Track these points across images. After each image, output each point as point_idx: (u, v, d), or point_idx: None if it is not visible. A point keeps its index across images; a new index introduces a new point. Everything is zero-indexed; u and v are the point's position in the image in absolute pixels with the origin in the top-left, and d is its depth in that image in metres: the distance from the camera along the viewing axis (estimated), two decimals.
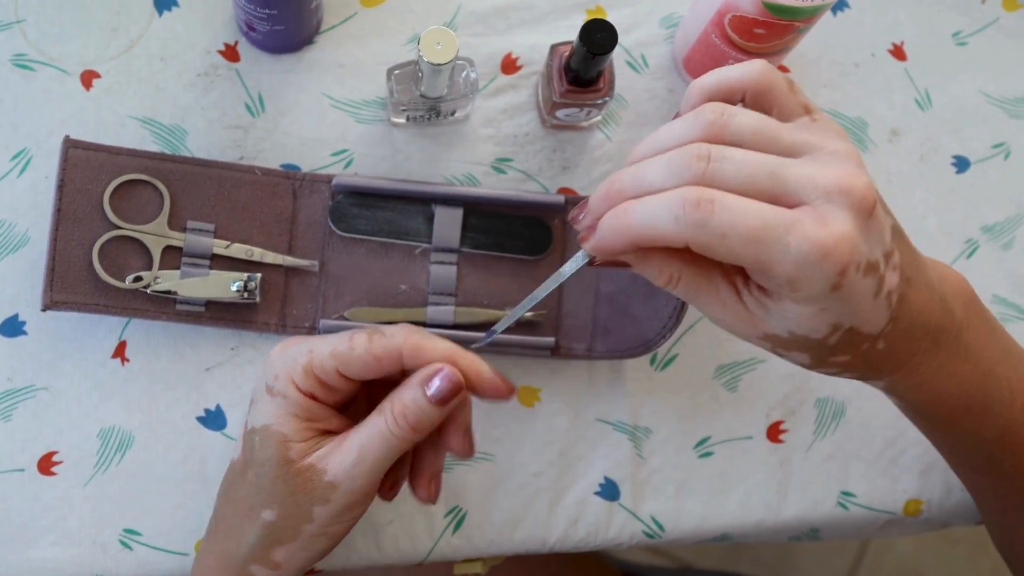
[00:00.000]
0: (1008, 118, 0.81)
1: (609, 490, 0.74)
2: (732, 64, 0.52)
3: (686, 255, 0.50)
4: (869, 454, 0.77)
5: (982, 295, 0.77)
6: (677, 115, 0.52)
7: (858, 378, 0.55)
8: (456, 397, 0.56)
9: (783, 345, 0.52)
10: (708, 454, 0.76)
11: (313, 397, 0.57)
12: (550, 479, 0.74)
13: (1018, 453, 0.60)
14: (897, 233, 0.51)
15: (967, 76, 0.81)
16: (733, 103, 0.52)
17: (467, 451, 0.60)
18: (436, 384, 0.55)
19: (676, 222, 0.46)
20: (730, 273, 0.52)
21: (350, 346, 0.56)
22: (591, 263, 0.53)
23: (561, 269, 0.56)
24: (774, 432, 0.76)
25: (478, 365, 0.57)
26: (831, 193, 0.46)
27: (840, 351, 0.51)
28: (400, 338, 0.56)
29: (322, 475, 0.56)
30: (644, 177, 0.49)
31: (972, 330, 0.56)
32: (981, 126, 0.81)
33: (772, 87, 0.51)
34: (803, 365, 0.53)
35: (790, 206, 0.47)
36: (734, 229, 0.45)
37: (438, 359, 0.56)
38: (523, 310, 0.60)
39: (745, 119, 0.49)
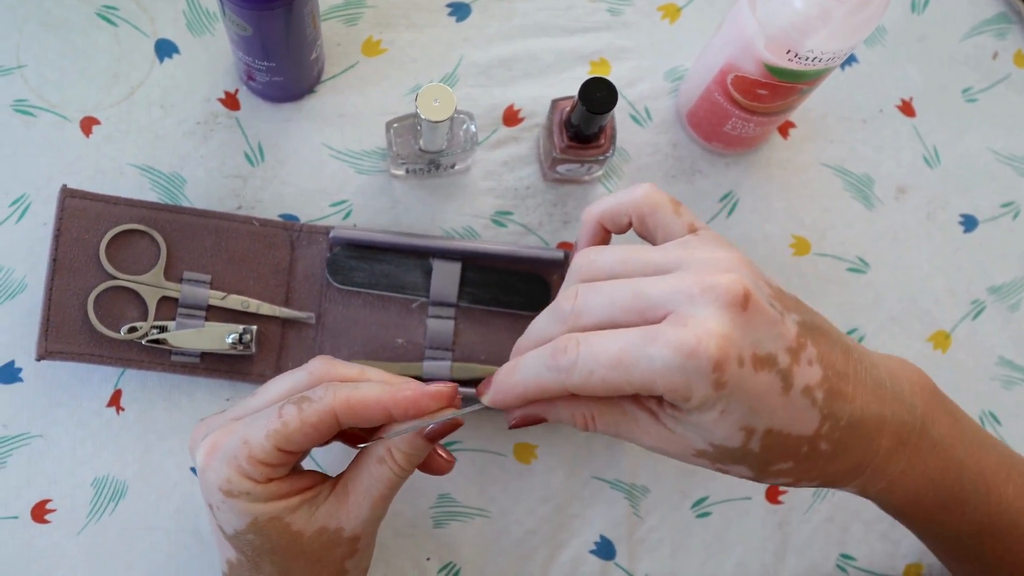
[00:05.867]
0: (1017, 176, 0.80)
1: (605, 549, 0.74)
2: (626, 190, 0.55)
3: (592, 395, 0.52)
4: (869, 517, 0.76)
5: (988, 356, 0.76)
6: (574, 247, 0.57)
7: (820, 486, 0.54)
8: (450, 431, 0.56)
9: (716, 459, 0.51)
10: (706, 514, 0.75)
11: (271, 479, 0.55)
12: (545, 536, 0.73)
13: (998, 546, 0.59)
14: (812, 328, 0.50)
15: (976, 133, 0.80)
16: (621, 226, 0.55)
17: (445, 467, 0.60)
18: (431, 426, 0.55)
19: (549, 371, 0.48)
20: (642, 400, 0.51)
21: (283, 423, 0.53)
22: (510, 425, 0.55)
23: (468, 410, 0.56)
24: (773, 493, 0.75)
25: (416, 402, 0.55)
26: (693, 296, 0.46)
27: (776, 458, 0.50)
28: (330, 398, 0.53)
29: (341, 533, 0.56)
30: (532, 331, 0.52)
31: (938, 425, 0.55)
32: (990, 184, 0.80)
33: (656, 210, 0.53)
34: (750, 479, 0.52)
35: (658, 319, 0.47)
36: (598, 362, 0.47)
37: (373, 411, 0.54)
38: (405, 431, 0.56)
39: (610, 254, 0.51)
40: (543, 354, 0.49)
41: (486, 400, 0.53)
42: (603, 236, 0.58)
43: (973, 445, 0.57)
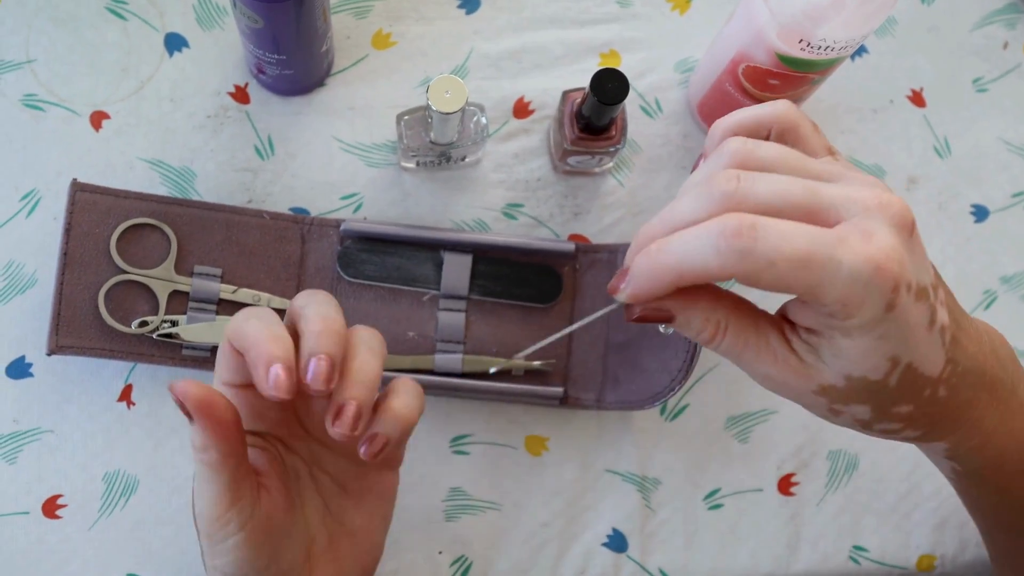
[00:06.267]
0: None
1: (617, 541, 0.74)
2: (763, 105, 0.51)
3: (730, 302, 0.48)
4: (882, 508, 0.76)
5: None
6: (700, 157, 0.51)
7: (919, 438, 0.52)
8: (205, 410, 0.49)
9: (841, 397, 0.48)
10: (718, 506, 0.75)
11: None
12: (557, 529, 0.73)
13: None
14: (937, 274, 0.49)
15: (987, 123, 0.80)
16: (759, 139, 0.50)
17: (340, 433, 0.50)
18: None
19: (718, 254, 0.43)
20: (777, 320, 0.49)
21: (217, 357, 0.53)
22: (631, 319, 0.48)
23: (595, 315, 0.52)
24: (785, 485, 0.75)
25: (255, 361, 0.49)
26: (870, 209, 0.44)
27: (902, 398, 0.48)
28: (228, 326, 0.51)
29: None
30: (674, 214, 0.46)
31: (1023, 386, 0.54)
32: (1001, 174, 0.80)
33: (797, 126, 0.50)
34: (862, 423, 0.50)
35: (829, 223, 0.44)
36: (782, 254, 0.42)
37: (239, 344, 0.50)
38: (545, 343, 0.54)
39: (771, 147, 0.47)
40: (710, 231, 0.43)
41: (623, 296, 0.47)
42: None
43: None
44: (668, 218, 0.46)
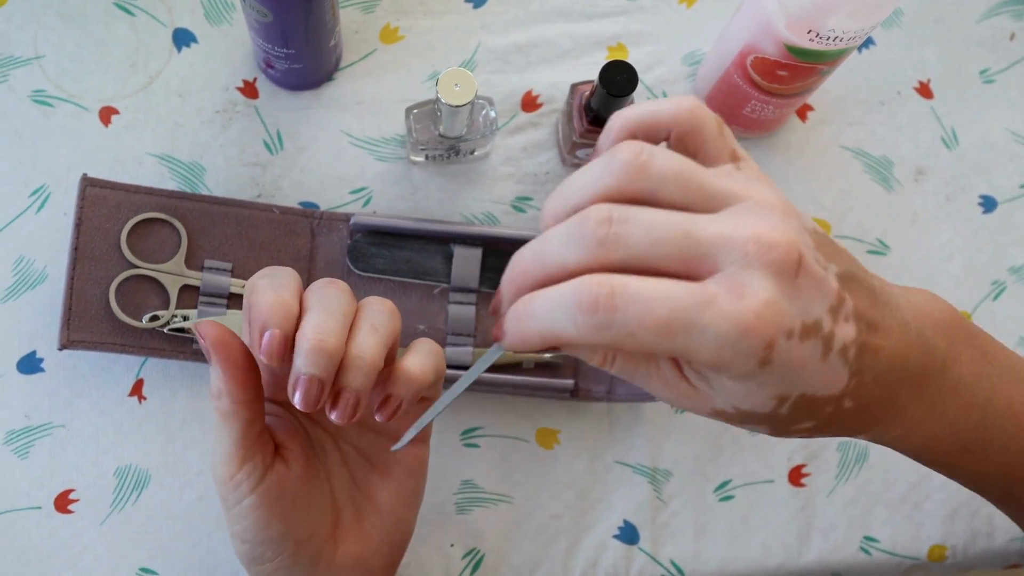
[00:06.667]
0: None
1: (628, 533, 0.74)
2: (667, 100, 0.47)
3: None
4: (892, 498, 0.76)
5: (1009, 338, 0.76)
6: (595, 152, 0.47)
7: (834, 436, 0.50)
8: (221, 349, 0.50)
9: (736, 420, 0.47)
10: (729, 497, 0.75)
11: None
12: (569, 522, 0.73)
13: None
14: (848, 278, 0.45)
15: (994, 114, 0.80)
16: (656, 141, 0.46)
17: (337, 421, 0.51)
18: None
19: (576, 327, 0.41)
20: None
21: None
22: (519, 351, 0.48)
23: (476, 363, 0.50)
24: (796, 475, 0.75)
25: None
26: (748, 255, 0.41)
27: (799, 419, 0.47)
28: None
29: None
30: (545, 251, 0.43)
31: (961, 362, 0.51)
32: (1008, 165, 0.80)
33: (701, 127, 0.46)
34: (766, 434, 0.49)
35: (704, 272, 0.42)
36: (641, 324, 0.40)
37: (246, 288, 0.53)
38: (439, 410, 0.52)
39: (666, 161, 0.42)
40: (567, 302, 0.41)
41: (505, 346, 0.45)
42: None
43: (1004, 380, 0.53)
44: (539, 253, 0.44)
